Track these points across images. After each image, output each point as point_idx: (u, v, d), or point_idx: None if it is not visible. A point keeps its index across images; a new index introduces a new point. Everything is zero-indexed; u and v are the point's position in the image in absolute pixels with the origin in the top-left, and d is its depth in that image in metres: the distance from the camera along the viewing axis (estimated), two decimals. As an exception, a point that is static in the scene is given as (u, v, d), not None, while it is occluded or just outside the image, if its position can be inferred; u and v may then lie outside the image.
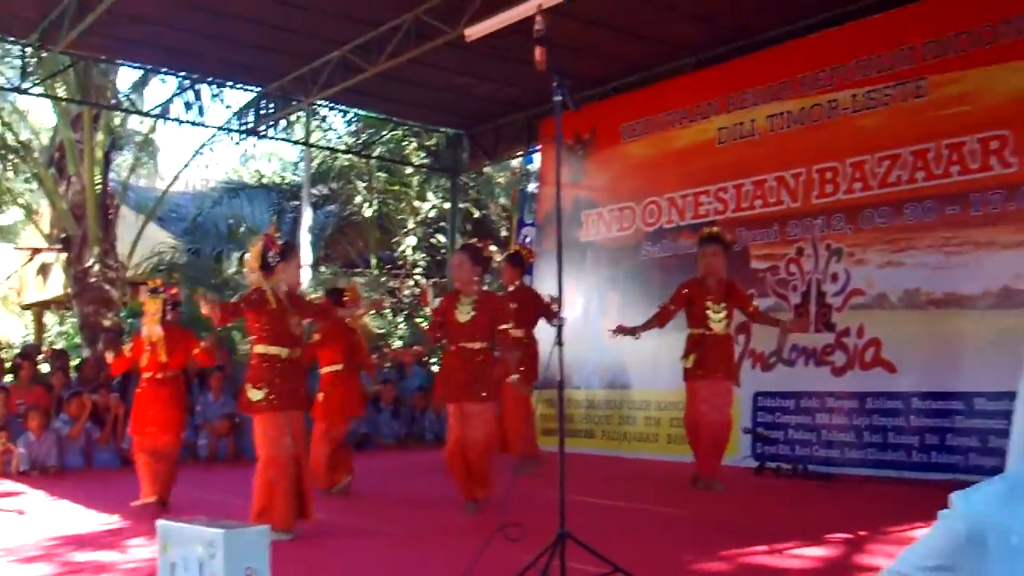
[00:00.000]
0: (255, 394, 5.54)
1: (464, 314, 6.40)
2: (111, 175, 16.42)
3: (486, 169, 18.19)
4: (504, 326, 6.59)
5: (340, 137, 19.50)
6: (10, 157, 17.28)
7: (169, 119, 13.15)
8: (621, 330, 7.54)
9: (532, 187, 16.09)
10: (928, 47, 8.10)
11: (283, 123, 14.34)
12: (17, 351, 16.04)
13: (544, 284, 10.31)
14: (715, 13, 9.36)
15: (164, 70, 12.68)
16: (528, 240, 12.76)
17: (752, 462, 8.58)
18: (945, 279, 7.81)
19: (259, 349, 5.65)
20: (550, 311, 7.72)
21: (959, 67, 7.89)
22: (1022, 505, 1.74)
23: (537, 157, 13.42)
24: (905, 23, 8.30)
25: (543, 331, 8.20)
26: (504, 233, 18.76)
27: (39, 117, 20.38)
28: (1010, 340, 6.94)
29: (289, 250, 5.92)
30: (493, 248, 7.64)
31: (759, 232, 9.24)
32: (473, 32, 8.62)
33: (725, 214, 9.54)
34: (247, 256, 5.94)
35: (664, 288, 8.94)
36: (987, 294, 7.53)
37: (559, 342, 4.62)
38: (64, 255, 16.05)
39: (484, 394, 6.26)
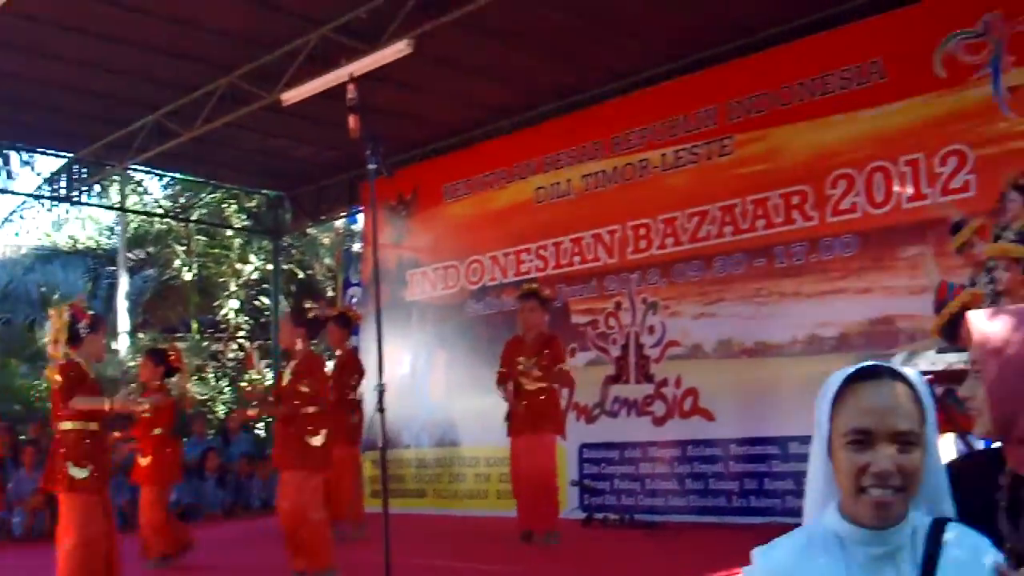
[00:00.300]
0: (79, 472, 5.35)
1: (285, 377, 6.37)
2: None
3: (310, 230, 18.05)
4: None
5: (157, 201, 19.06)
6: None
7: (-26, 186, 12.66)
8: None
9: (357, 247, 16.05)
10: (732, 107, 8.50)
11: (97, 187, 13.95)
12: None
13: (371, 344, 10.28)
14: (528, 77, 9.58)
15: (-33, 137, 12.18)
16: (355, 300, 12.72)
17: (580, 514, 8.71)
18: (755, 328, 8.17)
19: (77, 425, 5.47)
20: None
21: (761, 126, 8.31)
22: (819, 556, 1.85)
23: (361, 217, 13.45)
24: (709, 85, 8.71)
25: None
26: (331, 293, 18.60)
27: None
28: (818, 384, 7.21)
29: (98, 321, 5.78)
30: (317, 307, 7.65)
31: (578, 287, 9.47)
32: (289, 97, 8.66)
33: (546, 271, 9.75)
34: (49, 327, 5.76)
35: (490, 344, 9.09)
36: (795, 342, 7.90)
37: (380, 408, 4.64)
38: None
39: (299, 461, 6.14)
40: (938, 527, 1.85)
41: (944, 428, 5.51)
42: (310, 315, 7.08)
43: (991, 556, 1.85)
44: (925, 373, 5.18)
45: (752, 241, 8.23)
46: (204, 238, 19.29)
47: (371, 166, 4.93)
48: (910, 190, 7.35)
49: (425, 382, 10.66)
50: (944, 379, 5.35)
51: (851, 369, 1.86)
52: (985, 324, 2.04)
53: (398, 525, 4.20)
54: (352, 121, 5.27)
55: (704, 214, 8.55)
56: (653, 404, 8.75)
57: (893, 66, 7.53)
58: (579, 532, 8.15)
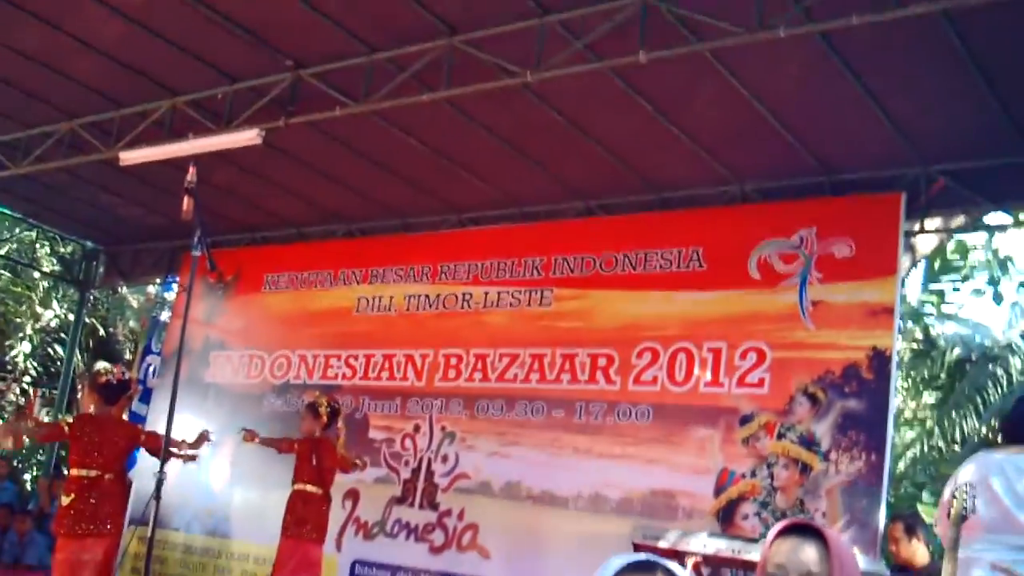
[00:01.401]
0: None
1: None
2: None
3: (120, 289, 17.55)
4: None
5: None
6: None
7: None
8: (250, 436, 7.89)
9: (165, 316, 15.66)
10: (557, 262, 8.85)
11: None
12: None
13: (161, 418, 10.03)
14: (369, 190, 9.77)
15: None
16: (152, 368, 12.38)
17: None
18: (544, 477, 8.37)
19: None
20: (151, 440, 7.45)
21: (582, 286, 8.67)
22: None
23: (175, 287, 13.18)
24: (540, 237, 9.09)
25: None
26: (128, 356, 18.04)
27: None
28: (596, 542, 7.55)
29: None
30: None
31: (381, 404, 9.52)
32: (128, 157, 8.56)
33: (352, 380, 9.77)
34: None
35: (282, 444, 9.03)
36: (579, 497, 8.14)
37: (156, 496, 4.60)
38: None
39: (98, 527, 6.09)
40: None
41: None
42: (103, 380, 7.01)
43: None
44: (696, 554, 5.50)
45: (556, 392, 8.49)
46: (8, 275, 18.51)
47: (195, 252, 4.96)
48: (709, 376, 7.77)
49: (208, 468, 10.42)
50: (713, 563, 5.66)
51: (625, 560, 1.98)
52: (838, 545, 2.23)
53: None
54: (186, 203, 5.29)
55: (515, 357, 8.79)
56: (433, 532, 8.80)
57: (712, 258, 8.04)
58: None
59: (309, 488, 7.70)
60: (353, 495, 9.15)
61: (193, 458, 7.51)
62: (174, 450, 6.92)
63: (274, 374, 10.45)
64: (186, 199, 5.27)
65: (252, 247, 11.37)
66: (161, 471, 4.78)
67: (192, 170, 5.49)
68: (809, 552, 2.19)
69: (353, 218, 10.55)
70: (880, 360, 7.10)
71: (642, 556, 2.06)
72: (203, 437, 7.49)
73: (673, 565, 2.06)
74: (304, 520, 7.60)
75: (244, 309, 11.08)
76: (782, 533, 2.27)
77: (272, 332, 10.67)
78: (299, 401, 9.89)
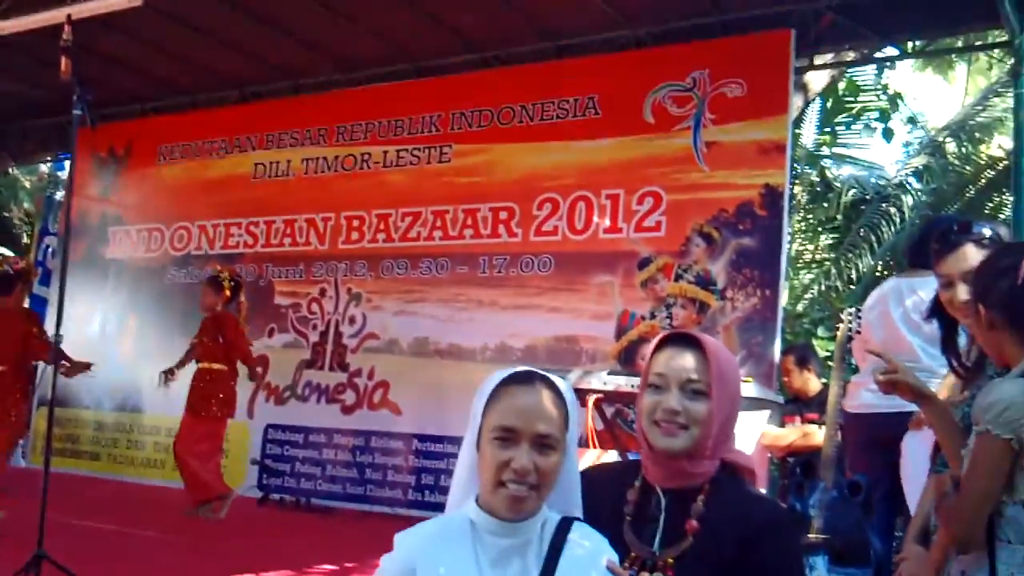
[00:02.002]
0: None
1: None
2: None
3: (12, 170, 16.99)
4: None
5: None
6: None
7: None
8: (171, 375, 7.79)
9: (60, 195, 15.25)
10: (455, 117, 8.79)
11: None
12: None
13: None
14: (260, 51, 9.51)
15: None
16: (51, 249, 12.14)
17: (257, 492, 8.73)
18: (451, 331, 8.47)
19: None
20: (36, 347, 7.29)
21: (480, 140, 8.64)
22: (453, 543, 2.05)
23: (67, 164, 12.83)
24: (436, 93, 8.99)
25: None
26: (26, 240, 17.58)
27: None
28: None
29: None
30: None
31: (285, 269, 9.48)
32: (2, 28, 8.19)
33: (254, 248, 9.70)
34: None
35: (186, 315, 8.98)
36: (486, 348, 8.27)
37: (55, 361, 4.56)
38: None
39: None
40: (565, 525, 2.08)
41: (609, 445, 5.98)
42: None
43: (607, 555, 2.11)
44: (597, 392, 5.62)
45: (459, 248, 8.54)
46: None
47: (76, 112, 4.81)
48: (607, 222, 7.87)
49: (114, 344, 10.34)
50: (613, 399, 5.80)
51: (508, 371, 2.05)
52: (715, 350, 2.28)
53: (66, 485, 4.16)
54: (64, 64, 5.09)
55: (417, 215, 8.79)
56: (344, 393, 8.89)
57: (607, 105, 8.05)
58: (253, 510, 8.17)
59: (215, 366, 7.66)
60: (262, 361, 9.14)
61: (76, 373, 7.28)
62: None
63: (174, 246, 10.31)
64: (63, 60, 5.06)
65: (144, 119, 11.06)
66: (57, 335, 4.70)
67: (67, 28, 5.27)
68: (688, 359, 2.24)
69: (246, 83, 10.27)
70: (773, 197, 7.24)
71: (522, 368, 2.11)
72: (82, 367, 7.20)
73: (553, 377, 2.11)
74: (208, 397, 7.58)
75: (140, 182, 10.85)
76: (662, 343, 2.33)
77: (170, 204, 10.49)
78: (201, 272, 9.78)
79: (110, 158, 10.95)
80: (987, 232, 3.05)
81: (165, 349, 9.06)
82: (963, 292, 2.97)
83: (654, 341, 2.35)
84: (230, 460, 8.31)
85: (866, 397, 4.85)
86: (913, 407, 3.88)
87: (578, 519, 2.14)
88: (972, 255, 2.95)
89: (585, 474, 2.32)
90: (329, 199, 9.35)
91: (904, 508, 4.77)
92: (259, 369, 8.18)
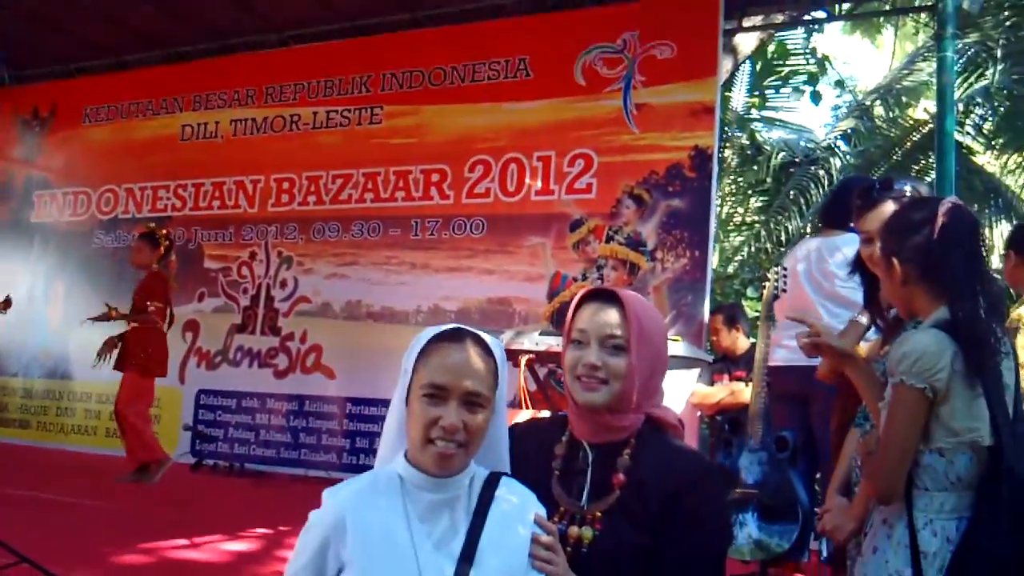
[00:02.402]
0: None
1: None
2: None
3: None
4: None
5: None
6: None
7: None
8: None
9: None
10: (385, 78, 8.73)
11: None
12: None
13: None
14: (185, 10, 9.34)
15: None
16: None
17: (190, 458, 8.67)
18: (384, 294, 8.45)
19: None
20: None
21: (411, 102, 8.60)
22: (382, 498, 2.06)
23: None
24: (367, 53, 8.91)
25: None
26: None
27: None
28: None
29: None
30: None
31: (214, 233, 9.37)
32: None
33: (183, 211, 9.57)
34: None
35: (114, 279, 8.91)
36: (419, 311, 8.26)
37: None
38: None
39: None
40: (493, 480, 2.11)
41: (542, 406, 6.03)
42: None
43: (535, 509, 2.14)
44: (529, 352, 5.66)
45: (391, 210, 8.51)
46: None
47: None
48: (539, 184, 7.89)
49: (42, 310, 10.17)
50: (546, 359, 5.84)
51: (439, 328, 2.07)
52: (635, 305, 2.29)
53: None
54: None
55: (348, 177, 8.74)
56: (277, 357, 8.84)
57: (538, 66, 8.06)
58: (187, 476, 8.11)
59: (133, 323, 7.54)
60: (193, 326, 9.08)
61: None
62: None
63: (101, 210, 10.14)
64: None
65: (68, 80, 10.81)
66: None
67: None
68: (609, 315, 2.27)
69: (173, 43, 10.08)
70: (702, 158, 7.31)
71: (452, 325, 2.12)
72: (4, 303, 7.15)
73: (483, 334, 2.13)
74: (136, 354, 7.48)
75: (65, 145, 10.64)
76: (584, 300, 2.35)
77: (96, 167, 10.30)
78: (129, 236, 9.63)
79: (34, 120, 10.73)
80: (907, 190, 3.11)
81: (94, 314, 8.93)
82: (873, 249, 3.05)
83: (576, 297, 2.37)
84: (162, 426, 8.24)
85: (779, 353, 4.95)
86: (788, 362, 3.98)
87: (506, 474, 2.17)
88: (889, 212, 3.01)
89: (514, 429, 2.35)
90: (258, 161, 9.24)
91: (820, 460, 4.90)
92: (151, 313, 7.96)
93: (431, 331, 2.10)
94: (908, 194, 3.07)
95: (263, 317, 8.98)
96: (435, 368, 2.01)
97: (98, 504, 6.44)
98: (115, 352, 7.52)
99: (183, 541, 5.13)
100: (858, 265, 3.06)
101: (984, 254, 2.58)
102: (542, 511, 2.14)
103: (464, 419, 1.98)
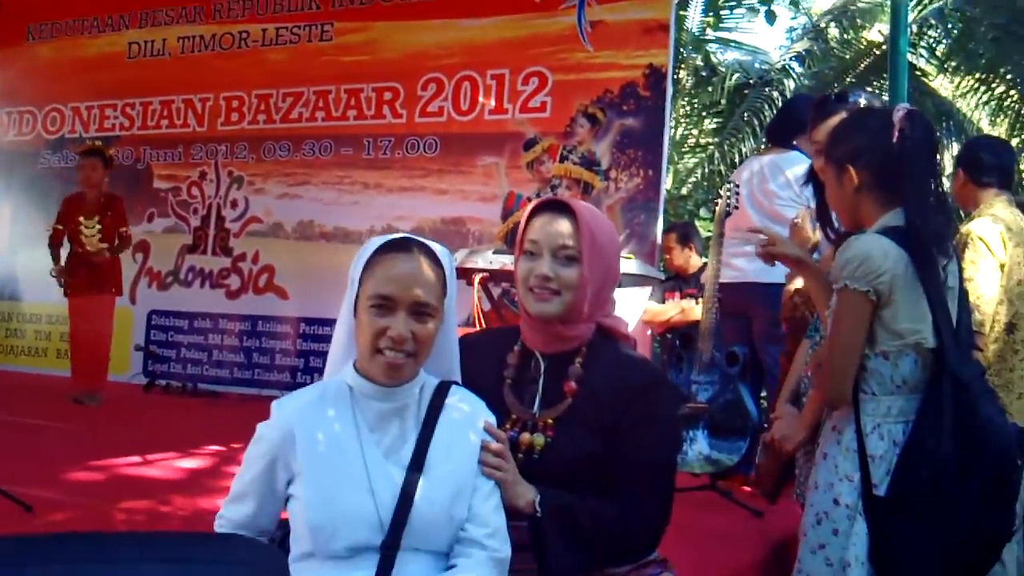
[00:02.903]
0: None
1: None
2: None
3: None
4: None
5: None
6: None
7: None
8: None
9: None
10: (336, -6, 8.57)
11: None
12: None
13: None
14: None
15: None
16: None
17: (143, 379, 8.64)
18: (336, 214, 8.39)
19: None
20: None
21: (362, 18, 8.45)
22: (331, 407, 2.07)
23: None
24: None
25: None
26: None
27: None
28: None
29: None
30: None
31: (163, 152, 9.23)
32: None
33: (131, 130, 9.40)
34: None
35: (62, 200, 8.69)
36: (372, 231, 8.19)
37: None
38: None
39: None
40: (443, 389, 2.12)
41: (496, 325, 6.04)
42: None
43: (485, 417, 2.15)
44: (482, 271, 5.66)
45: (343, 129, 8.41)
46: None
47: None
48: (493, 103, 7.83)
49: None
50: (500, 278, 5.83)
51: (386, 238, 2.04)
52: (587, 216, 2.29)
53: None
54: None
55: (299, 95, 8.61)
56: (229, 277, 8.78)
57: (493, -18, 7.94)
58: (139, 397, 8.10)
59: (103, 245, 7.40)
60: (143, 246, 8.98)
61: None
62: None
63: (47, 129, 9.94)
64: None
65: (8, -4, 10.53)
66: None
67: None
68: (561, 225, 2.26)
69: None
70: (656, 77, 7.27)
71: (399, 235, 2.11)
72: None
73: (431, 243, 2.11)
74: (115, 278, 7.40)
75: (8, 63, 10.35)
76: (536, 211, 2.34)
77: (41, 85, 10.06)
78: (76, 157, 9.43)
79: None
80: (862, 101, 3.11)
81: (42, 235, 8.79)
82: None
83: (528, 208, 2.36)
84: (114, 347, 8.14)
85: (724, 271, 4.98)
86: (762, 279, 4.02)
87: (456, 383, 2.18)
88: None
89: (466, 339, 2.36)
90: (207, 79, 9.06)
91: (764, 377, 4.97)
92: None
93: (377, 241, 2.08)
94: (862, 107, 3.07)
95: (214, 237, 8.90)
96: (382, 278, 2.00)
97: (50, 424, 6.40)
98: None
99: (136, 459, 5.13)
100: (811, 177, 3.06)
101: (939, 159, 2.60)
102: (492, 419, 2.15)
103: (413, 329, 1.98)
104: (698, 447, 4.56)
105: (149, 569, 1.39)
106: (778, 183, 5.09)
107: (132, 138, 9.30)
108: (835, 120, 3.03)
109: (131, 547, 1.47)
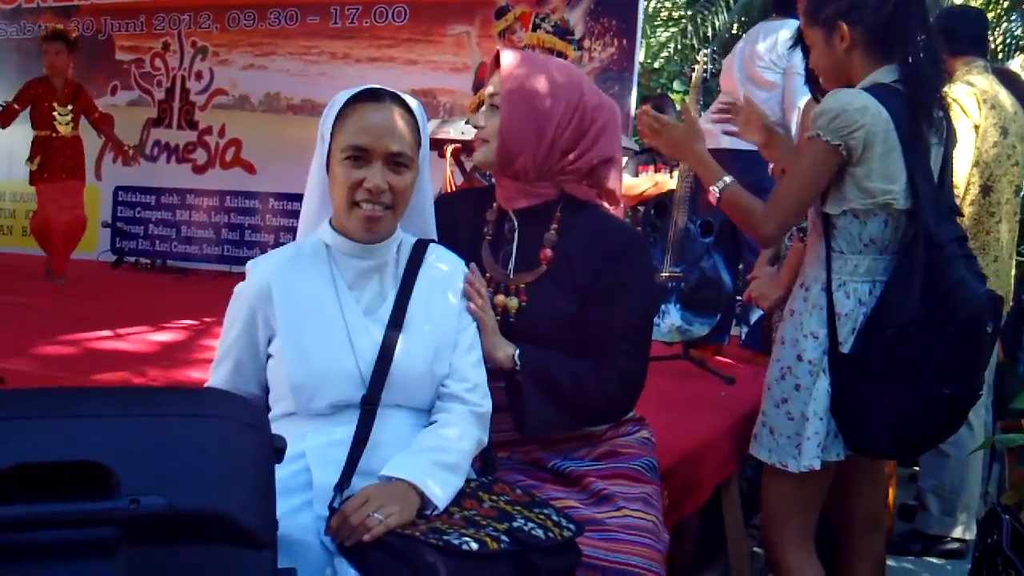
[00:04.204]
0: None
1: None
2: None
3: None
4: None
5: None
6: None
7: None
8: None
9: None
10: None
11: None
12: None
13: None
14: None
15: None
16: None
17: (111, 256, 8.56)
18: (304, 86, 8.21)
19: None
20: None
21: None
22: (308, 266, 2.03)
23: None
24: None
25: None
26: None
27: None
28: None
29: None
30: None
31: (125, 23, 8.95)
32: None
33: (90, 0, 9.13)
34: None
35: (21, 73, 8.49)
36: (341, 103, 8.06)
37: None
38: None
39: None
40: (421, 247, 2.09)
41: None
42: None
43: (463, 274, 2.13)
44: (454, 141, 5.59)
45: (306, -3, 8.19)
46: None
47: None
48: (463, -32, 7.63)
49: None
50: (468, 148, 5.76)
51: (356, 89, 1.98)
52: (512, 59, 2.24)
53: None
54: None
55: (264, -39, 8.37)
56: (195, 152, 8.63)
57: None
58: (109, 273, 8.04)
59: (60, 132, 7.21)
60: (108, 120, 8.77)
61: None
62: None
63: (2, -1, 9.63)
64: None
65: None
66: None
67: None
68: (494, 76, 2.28)
69: None
70: (631, -57, 7.10)
71: (369, 86, 2.05)
72: None
73: (403, 95, 2.05)
74: (60, 161, 7.23)
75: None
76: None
77: (-5, -49, 9.71)
78: (36, 27, 9.18)
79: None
80: None
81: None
82: None
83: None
84: (80, 224, 8.03)
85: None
86: (736, 146, 3.99)
87: (434, 241, 2.15)
88: None
89: (444, 196, 2.33)
90: (169, -56, 8.77)
91: (741, 248, 4.96)
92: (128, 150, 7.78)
93: (348, 92, 2.03)
94: None
95: (179, 111, 8.72)
96: (355, 130, 1.95)
97: (19, 300, 6.35)
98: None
99: (107, 333, 5.09)
100: (799, 40, 3.00)
101: (928, 17, 2.55)
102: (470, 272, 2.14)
103: (389, 180, 1.94)
104: (670, 320, 4.57)
105: (127, 423, 1.38)
106: (765, 45, 5.01)
107: (92, 7, 9.02)
108: None
109: (110, 402, 1.46)
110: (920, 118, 2.39)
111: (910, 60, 2.43)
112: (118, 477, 1.26)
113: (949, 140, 2.56)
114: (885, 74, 2.45)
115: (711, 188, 2.59)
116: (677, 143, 2.69)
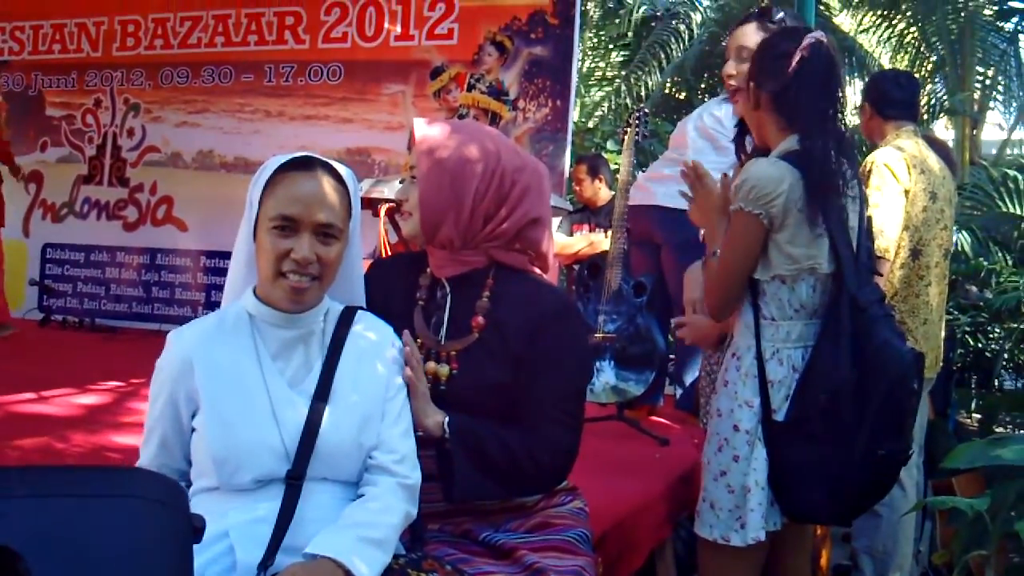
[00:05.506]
0: None
1: None
2: None
3: None
4: None
5: None
6: None
7: None
8: None
9: None
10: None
11: None
12: None
13: None
14: None
15: None
16: None
17: (38, 314, 8.38)
18: (237, 144, 8.17)
19: None
20: None
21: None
22: (231, 336, 1.98)
23: None
24: None
25: None
26: None
27: None
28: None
29: None
30: None
31: (56, 79, 8.88)
32: None
33: (21, 55, 9.02)
34: None
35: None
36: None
37: None
38: None
39: None
40: (348, 315, 2.06)
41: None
42: None
43: (394, 343, 2.10)
44: (389, 201, 5.58)
45: (243, 55, 8.14)
46: None
47: None
48: (398, 29, 7.63)
49: None
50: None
51: (286, 157, 1.96)
52: (426, 130, 2.22)
53: None
54: None
55: (197, 20, 8.30)
56: (126, 209, 8.52)
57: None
58: (35, 332, 7.86)
59: None
60: (36, 177, 8.67)
61: None
62: None
63: (-68, 53, 9.48)
64: None
65: None
66: None
67: None
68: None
69: None
70: (565, 4, 7.14)
71: (301, 153, 2.03)
72: None
73: (334, 163, 2.03)
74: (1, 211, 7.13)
75: None
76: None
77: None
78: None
79: None
80: (779, 15, 3.07)
81: None
82: (729, 67, 3.04)
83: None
84: (8, 281, 7.87)
85: (637, 194, 4.93)
86: (669, 203, 4.02)
87: (362, 308, 2.12)
88: (750, 33, 3.00)
89: (379, 261, 2.31)
90: (101, 2, 8.69)
91: (672, 306, 4.97)
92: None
93: (278, 159, 2.00)
94: (774, 20, 3.03)
95: (110, 167, 8.62)
96: (284, 199, 1.92)
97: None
98: None
99: (31, 395, 4.97)
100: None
101: (840, 94, 2.59)
102: (399, 343, 2.10)
103: (317, 251, 1.91)
104: (605, 378, 4.56)
105: (42, 504, 1.33)
106: (726, 111, 5.05)
107: (22, 63, 8.93)
108: (748, 28, 3.02)
109: (23, 483, 1.40)
110: (816, 195, 2.43)
111: (808, 135, 2.47)
112: (26, 563, 1.21)
113: (862, 203, 2.61)
114: (793, 142, 2.50)
115: (709, 253, 2.64)
116: (709, 209, 2.71)
